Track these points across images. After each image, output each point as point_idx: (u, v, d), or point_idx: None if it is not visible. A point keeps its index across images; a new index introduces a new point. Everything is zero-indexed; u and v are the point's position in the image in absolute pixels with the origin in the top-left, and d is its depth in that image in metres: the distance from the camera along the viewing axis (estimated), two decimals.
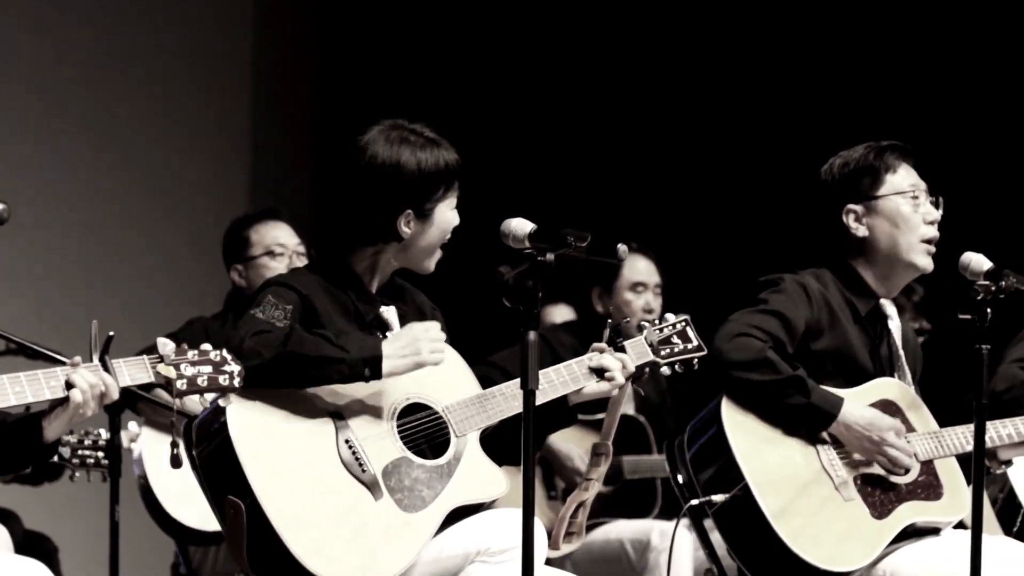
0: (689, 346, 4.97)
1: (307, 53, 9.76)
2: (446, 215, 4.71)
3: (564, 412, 4.79)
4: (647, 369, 4.91)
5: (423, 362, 4.53)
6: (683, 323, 4.99)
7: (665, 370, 4.95)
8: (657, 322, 4.97)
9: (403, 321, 4.73)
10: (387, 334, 4.64)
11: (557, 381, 4.71)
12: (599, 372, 4.76)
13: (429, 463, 4.58)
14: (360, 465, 4.50)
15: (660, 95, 9.31)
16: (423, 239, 4.71)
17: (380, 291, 4.75)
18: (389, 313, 4.72)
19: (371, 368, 4.47)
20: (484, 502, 4.62)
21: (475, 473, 4.61)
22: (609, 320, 4.90)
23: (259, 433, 4.42)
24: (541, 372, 4.49)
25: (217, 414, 4.41)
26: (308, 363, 4.42)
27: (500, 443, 4.71)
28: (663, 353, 4.92)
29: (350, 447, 4.50)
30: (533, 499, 4.25)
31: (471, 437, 4.65)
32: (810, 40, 9.06)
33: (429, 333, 4.55)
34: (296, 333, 4.43)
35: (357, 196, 4.67)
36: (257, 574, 4.41)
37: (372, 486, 4.49)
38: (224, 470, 4.39)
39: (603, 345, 4.81)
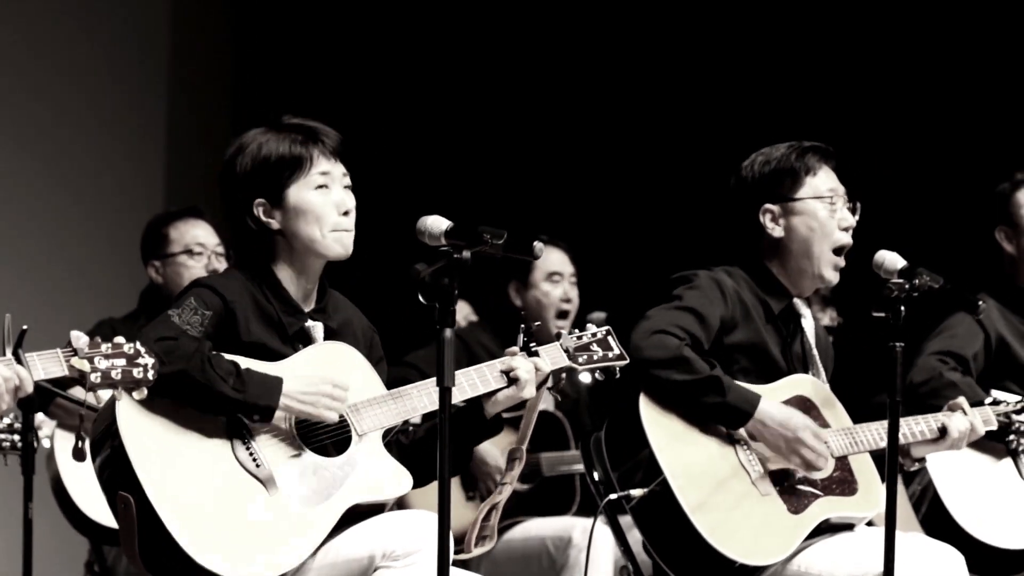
0: (610, 354, 4.91)
1: (224, 50, 9.71)
2: (305, 196, 4.59)
3: (483, 421, 4.73)
4: (563, 375, 4.85)
5: (316, 416, 4.49)
6: (605, 332, 4.93)
7: (585, 376, 4.89)
8: (577, 330, 4.93)
9: (328, 338, 4.66)
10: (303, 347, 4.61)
11: (466, 384, 4.65)
12: (510, 376, 4.70)
13: (329, 460, 4.53)
14: (254, 460, 4.44)
15: (572, 89, 9.29)
16: (295, 226, 4.59)
17: (312, 302, 4.67)
18: (316, 329, 4.65)
19: (261, 415, 4.44)
20: (385, 501, 4.57)
21: (376, 471, 4.55)
22: (523, 325, 4.83)
23: (149, 427, 4.38)
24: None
25: (109, 408, 4.38)
26: (201, 391, 4.36)
27: (424, 460, 4.64)
28: (580, 360, 4.86)
29: (245, 442, 4.46)
30: (449, 501, 4.22)
31: (374, 436, 4.59)
32: (727, 36, 9.07)
33: (335, 392, 4.49)
34: (198, 356, 4.36)
35: (228, 200, 4.64)
36: (149, 570, 4.37)
37: (267, 481, 4.43)
38: (115, 464, 4.35)
39: (515, 349, 4.77)
